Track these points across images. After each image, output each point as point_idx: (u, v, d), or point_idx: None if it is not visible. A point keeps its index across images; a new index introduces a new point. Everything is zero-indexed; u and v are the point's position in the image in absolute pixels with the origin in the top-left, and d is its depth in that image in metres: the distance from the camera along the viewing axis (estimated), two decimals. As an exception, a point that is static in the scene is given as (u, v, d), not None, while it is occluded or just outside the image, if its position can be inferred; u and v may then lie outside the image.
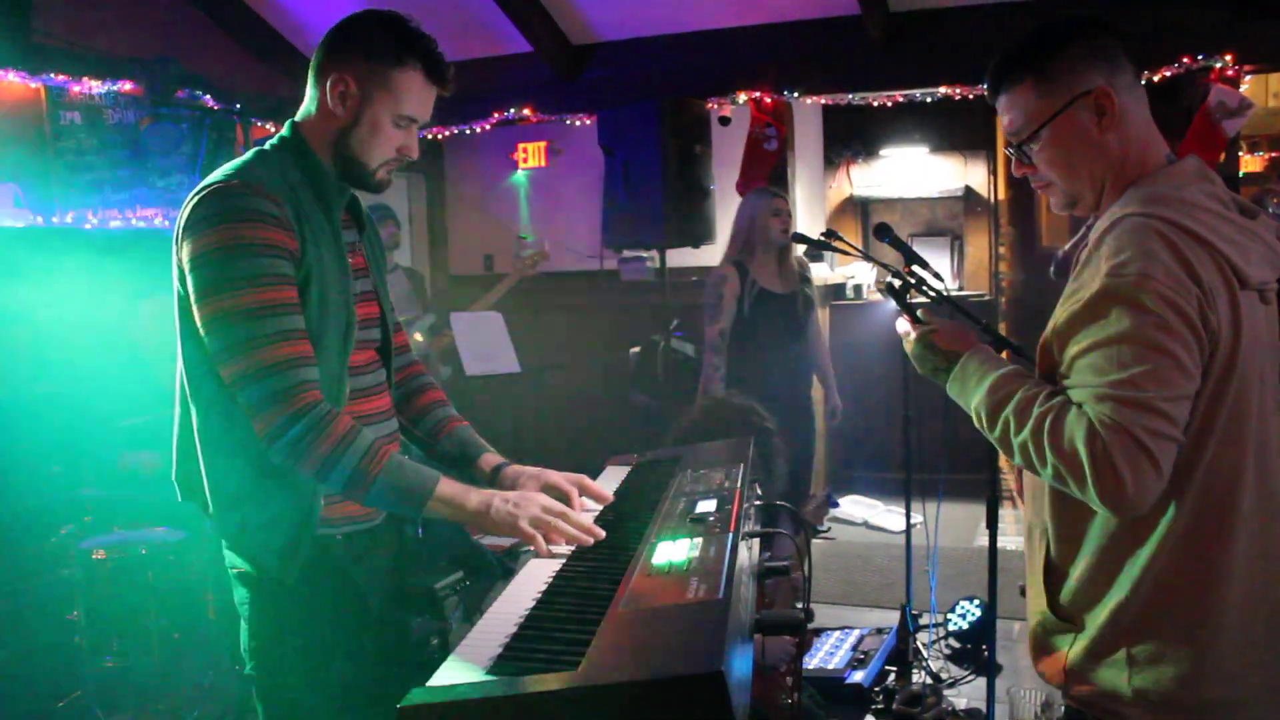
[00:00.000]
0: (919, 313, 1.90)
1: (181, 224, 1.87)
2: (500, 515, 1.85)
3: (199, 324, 1.85)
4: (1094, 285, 1.56)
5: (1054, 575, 1.74)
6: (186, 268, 1.85)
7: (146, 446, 4.29)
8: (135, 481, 4.24)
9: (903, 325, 1.91)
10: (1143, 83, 5.35)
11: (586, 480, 2.10)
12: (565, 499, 2.01)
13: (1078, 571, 1.69)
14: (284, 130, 2.02)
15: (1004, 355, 1.82)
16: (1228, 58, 5.26)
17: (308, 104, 2.01)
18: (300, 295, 1.88)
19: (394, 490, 1.85)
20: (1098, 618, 1.66)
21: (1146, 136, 1.71)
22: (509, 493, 1.91)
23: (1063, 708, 1.81)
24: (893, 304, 2.01)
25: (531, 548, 1.82)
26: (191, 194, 1.88)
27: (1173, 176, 1.66)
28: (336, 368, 1.96)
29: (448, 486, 1.88)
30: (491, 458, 2.19)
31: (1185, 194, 1.62)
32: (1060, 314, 1.63)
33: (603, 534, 1.82)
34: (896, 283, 2.07)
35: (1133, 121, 1.69)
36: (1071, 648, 1.70)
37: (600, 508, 2.04)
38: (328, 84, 1.95)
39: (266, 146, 2.00)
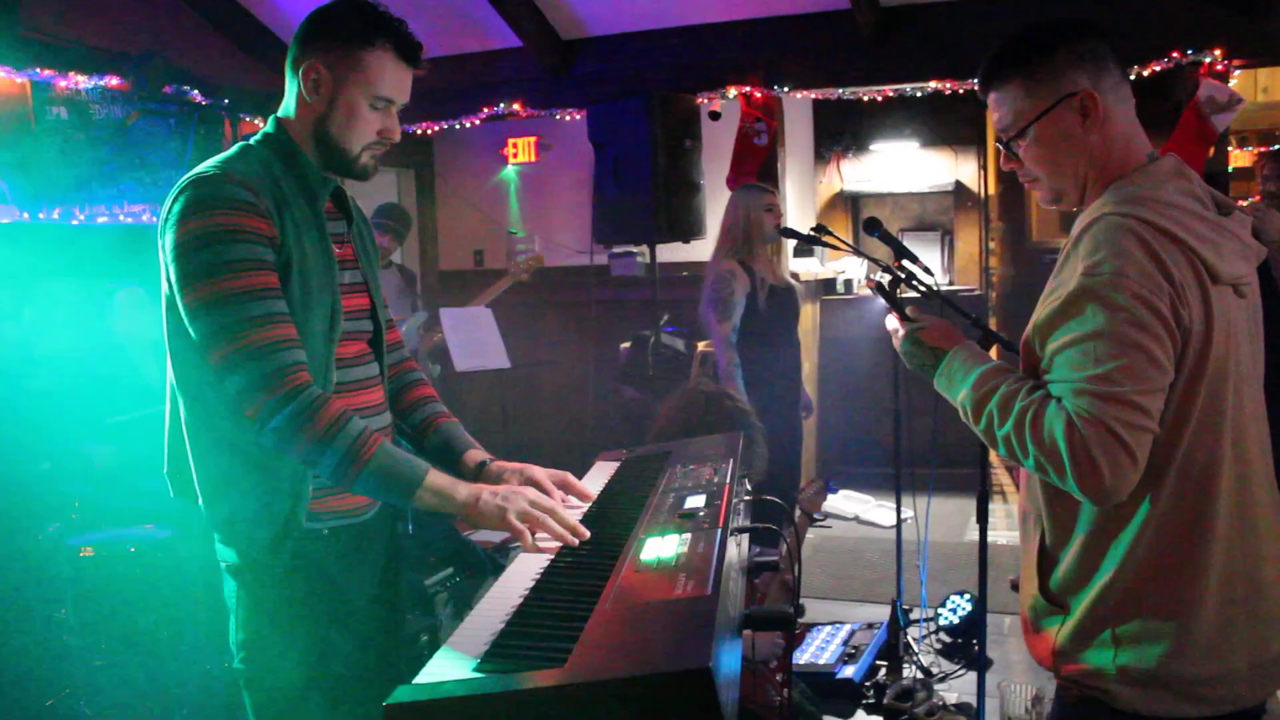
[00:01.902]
0: (908, 310, 1.96)
1: (163, 217, 1.88)
2: (488, 508, 1.85)
3: (183, 312, 1.85)
4: (1071, 284, 1.63)
5: (1046, 560, 1.81)
6: (169, 258, 1.85)
7: (134, 441, 4.27)
8: (94, 474, 4.22)
9: (892, 322, 1.97)
10: (1132, 78, 5.41)
11: (570, 478, 2.09)
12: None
13: (1067, 556, 1.76)
14: (268, 125, 2.03)
15: (994, 350, 1.87)
16: (1217, 52, 5.27)
17: (287, 99, 2.02)
18: (281, 283, 1.88)
19: (383, 477, 1.84)
20: (1085, 600, 1.73)
21: (1130, 136, 1.77)
22: (498, 486, 1.91)
23: (1053, 691, 1.86)
24: (883, 301, 2.04)
25: (520, 543, 1.82)
26: (173, 188, 1.88)
27: (1150, 176, 1.72)
28: (323, 358, 1.95)
29: (437, 478, 1.88)
30: (476, 454, 2.18)
31: (1161, 193, 1.68)
32: (1040, 311, 1.70)
33: (587, 534, 1.82)
34: (885, 280, 2.12)
35: (1117, 122, 1.76)
36: (1060, 629, 1.76)
37: (584, 506, 2.03)
38: (301, 74, 1.96)
39: (251, 141, 2.01)
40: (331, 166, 2.02)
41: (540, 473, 2.07)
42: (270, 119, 2.03)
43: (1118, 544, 1.68)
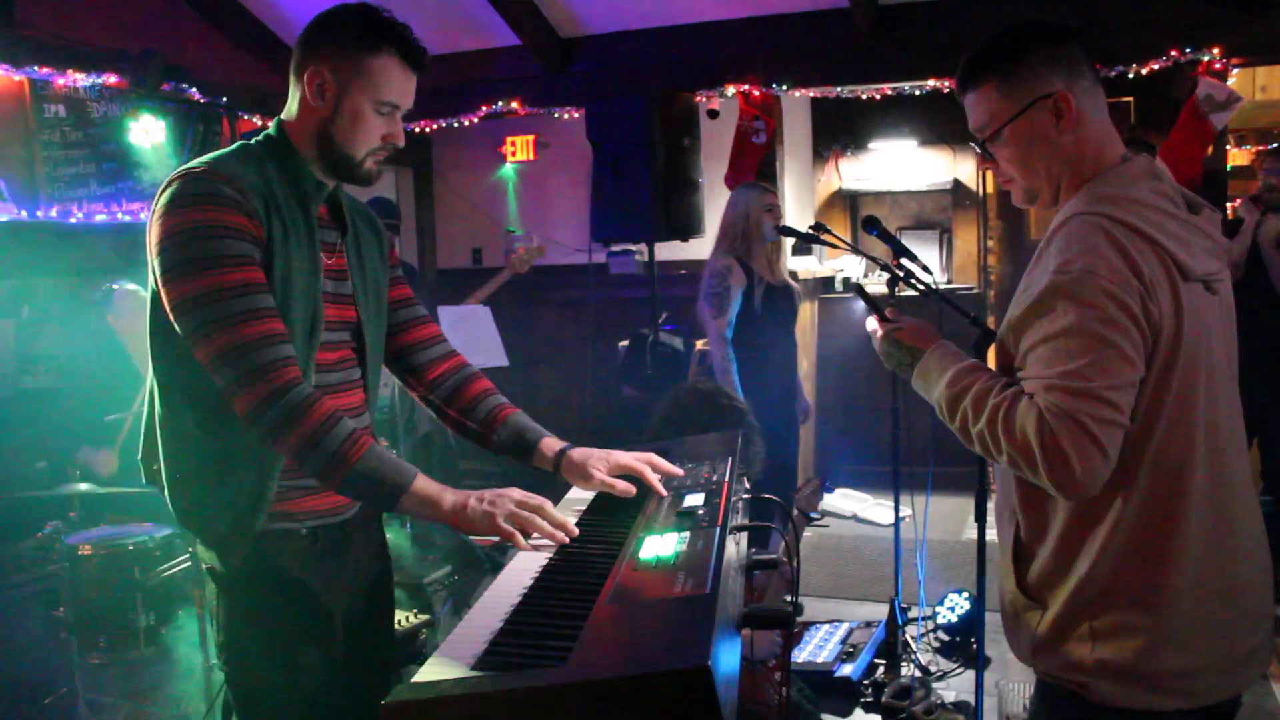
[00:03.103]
0: (887, 311, 2.01)
1: (151, 211, 1.88)
2: (476, 515, 1.83)
3: (168, 307, 1.84)
4: (1043, 281, 1.67)
5: (1022, 556, 1.84)
6: (154, 251, 1.84)
7: (129, 439, 4.27)
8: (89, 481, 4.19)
9: (871, 323, 2.03)
10: (1130, 76, 5.42)
11: (656, 458, 2.07)
12: (637, 477, 2.01)
13: (1043, 551, 1.78)
14: (270, 128, 2.02)
15: (990, 348, 1.90)
16: (1215, 51, 5.27)
17: (290, 103, 2.01)
18: None
19: (370, 480, 1.82)
20: (1062, 594, 1.75)
21: (1102, 137, 1.80)
22: (484, 491, 1.89)
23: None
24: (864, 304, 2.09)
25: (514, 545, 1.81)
26: (162, 183, 1.88)
27: (1122, 175, 1.76)
28: (301, 366, 1.92)
29: (424, 484, 1.86)
30: (553, 442, 2.15)
31: (1132, 192, 1.72)
32: (1014, 309, 1.74)
33: (576, 531, 1.82)
34: (865, 283, 2.16)
35: (1089, 123, 1.79)
36: (1039, 624, 1.79)
37: (664, 492, 1.98)
38: (305, 79, 1.95)
39: (251, 141, 2.00)
40: (335, 171, 2.00)
41: (627, 457, 2.05)
42: (274, 121, 2.02)
43: (1092, 539, 1.71)
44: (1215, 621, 1.71)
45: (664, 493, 1.94)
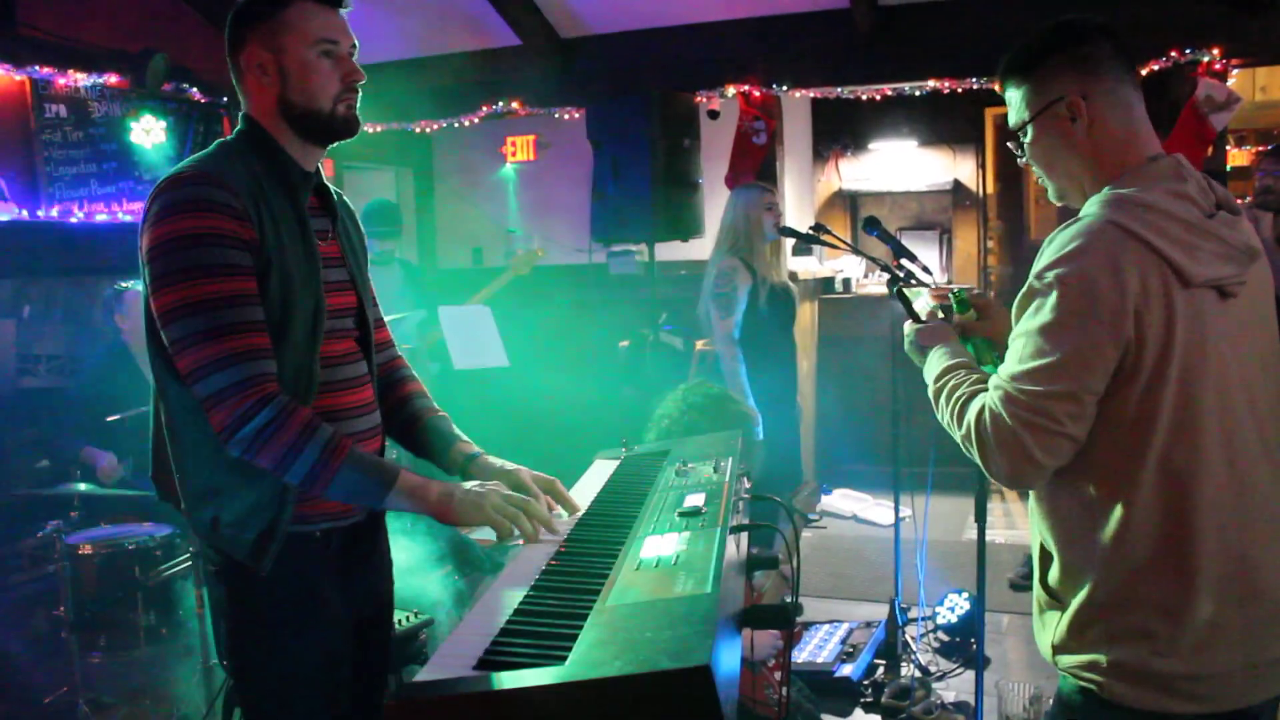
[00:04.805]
0: (925, 315, 2.12)
1: (142, 217, 1.86)
2: (464, 505, 1.85)
3: (155, 316, 1.83)
4: (1027, 282, 1.71)
5: (1044, 555, 1.86)
6: (144, 260, 1.83)
7: (130, 439, 4.27)
8: (91, 481, 4.19)
9: (908, 325, 2.11)
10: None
11: (558, 484, 2.05)
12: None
13: (1060, 552, 1.80)
14: (240, 124, 2.00)
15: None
16: (1215, 51, 5.27)
17: (245, 101, 2.00)
18: (260, 285, 1.86)
19: (355, 481, 1.83)
20: (1078, 596, 1.76)
21: (1128, 139, 1.80)
22: (469, 484, 1.90)
23: (1051, 691, 1.94)
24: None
25: (521, 541, 1.81)
26: (153, 189, 1.87)
27: (1140, 178, 1.74)
28: (306, 359, 1.92)
29: (409, 478, 1.87)
30: (466, 447, 2.16)
31: (1144, 196, 1.70)
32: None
33: (559, 530, 1.83)
34: (895, 286, 2.25)
35: (1110, 125, 1.79)
36: (1058, 623, 1.80)
37: (568, 515, 1.98)
38: (245, 67, 1.96)
39: (229, 139, 1.99)
40: (312, 136, 1.98)
41: (528, 475, 2.04)
42: (240, 117, 2.00)
43: (1102, 542, 1.72)
44: (1234, 629, 1.69)
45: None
